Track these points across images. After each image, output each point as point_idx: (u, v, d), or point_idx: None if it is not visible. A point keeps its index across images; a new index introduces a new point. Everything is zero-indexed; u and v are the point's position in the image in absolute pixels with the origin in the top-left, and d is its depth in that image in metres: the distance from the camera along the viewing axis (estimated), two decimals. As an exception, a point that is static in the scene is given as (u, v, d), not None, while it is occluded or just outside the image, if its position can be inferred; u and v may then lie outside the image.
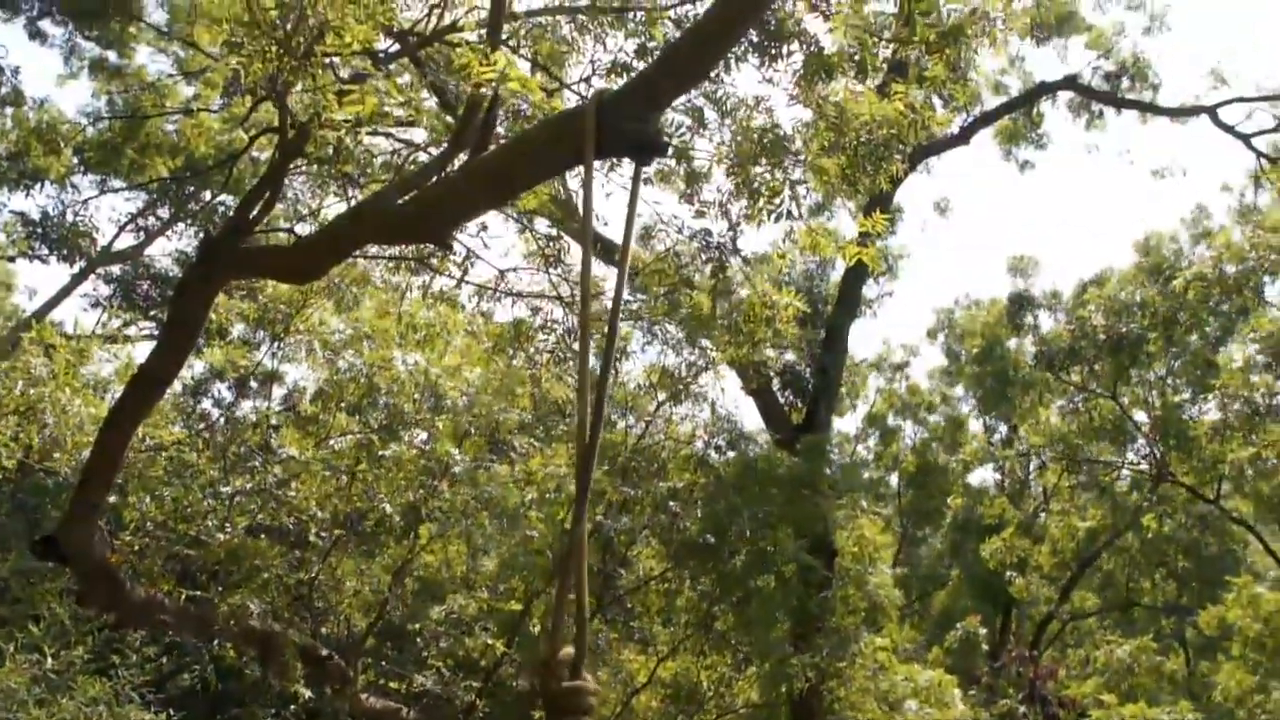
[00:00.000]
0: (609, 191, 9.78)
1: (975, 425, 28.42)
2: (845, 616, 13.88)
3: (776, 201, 8.43)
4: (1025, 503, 25.71)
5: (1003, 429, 26.58)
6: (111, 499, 10.65)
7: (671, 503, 12.35)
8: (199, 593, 10.65)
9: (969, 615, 21.94)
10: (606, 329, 4.29)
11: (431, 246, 10.57)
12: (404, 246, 11.75)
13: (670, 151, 9.06)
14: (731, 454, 14.31)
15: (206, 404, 17.55)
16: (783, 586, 13.06)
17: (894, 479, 29.31)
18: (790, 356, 14.85)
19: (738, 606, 12.76)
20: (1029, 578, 22.74)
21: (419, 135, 10.67)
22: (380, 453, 11.19)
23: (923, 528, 29.12)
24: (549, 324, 12.11)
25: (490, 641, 11.78)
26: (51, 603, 13.64)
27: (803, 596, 13.49)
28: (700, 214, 9.78)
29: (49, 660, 12.15)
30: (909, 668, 15.03)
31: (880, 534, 14.94)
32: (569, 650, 3.04)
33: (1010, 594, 22.90)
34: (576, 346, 11.47)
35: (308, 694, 11.44)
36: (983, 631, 21.13)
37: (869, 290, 21.66)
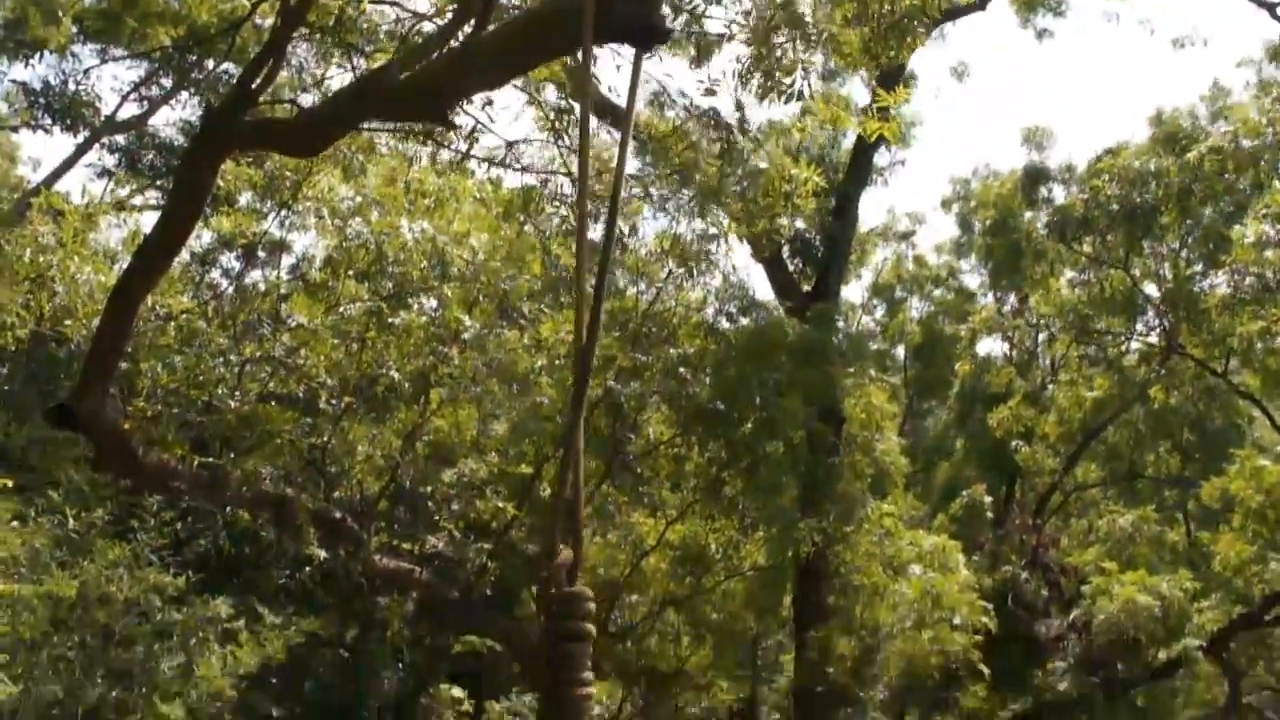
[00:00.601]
0: (619, 64, 9.58)
1: (984, 300, 28.36)
2: (852, 482, 14.06)
3: (788, 81, 8.25)
4: (1033, 373, 25.75)
5: (1012, 301, 26.48)
6: (123, 366, 10.72)
7: (682, 369, 12.40)
8: (211, 460, 10.77)
9: (974, 484, 22.17)
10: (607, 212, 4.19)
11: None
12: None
13: (674, 35, 8.83)
14: (742, 321, 14.34)
15: (215, 274, 17.50)
16: (791, 452, 13.19)
17: (900, 351, 29.36)
18: (801, 225, 14.77)
19: (746, 472, 12.90)
20: (1034, 447, 22.91)
21: (422, 4, 10.46)
22: (389, 320, 11.20)
23: (928, 400, 29.24)
24: (559, 196, 12.03)
25: (501, 504, 11.91)
26: (69, 469, 13.84)
27: (810, 462, 13.65)
28: (710, 92, 9.61)
29: (70, 521, 12.36)
30: (914, 533, 15.30)
31: (887, 403, 15.04)
32: (567, 555, 3.01)
33: (1015, 463, 23.10)
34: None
35: (322, 555, 11.66)
36: (987, 500, 21.36)
37: (880, 158, 21.42)
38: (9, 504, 11.24)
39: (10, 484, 10.97)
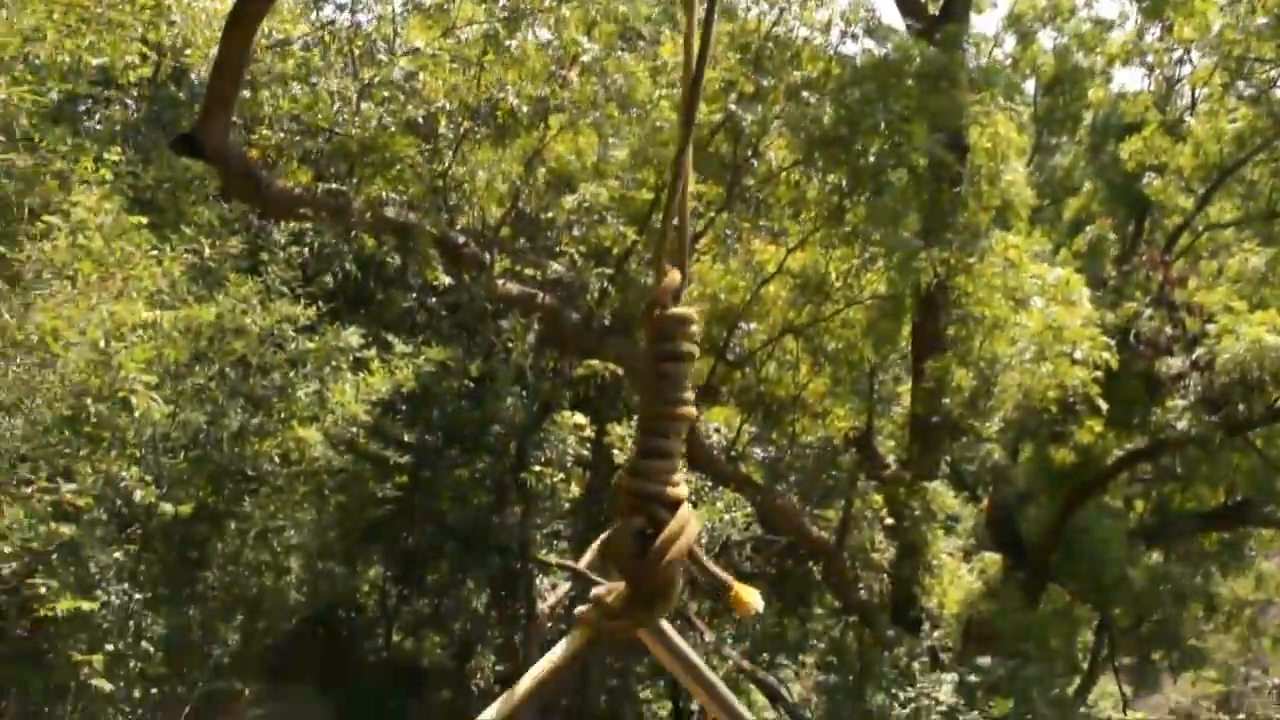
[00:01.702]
0: None
1: (1122, 31, 26.78)
2: (976, 213, 13.74)
3: None
4: (1171, 105, 24.45)
5: (1155, 30, 24.90)
6: (244, 95, 10.79)
7: (804, 93, 12.05)
8: (335, 185, 10.90)
9: (1100, 220, 21.56)
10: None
11: None
12: None
13: None
14: (867, 44, 13.76)
15: (328, 9, 17.31)
16: (915, 181, 12.89)
17: (1030, 86, 28.06)
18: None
19: (868, 200, 12.66)
20: (1167, 180, 22.00)
21: None
22: (506, 43, 11.01)
23: (1058, 135, 28.13)
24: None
25: (622, 229, 11.94)
26: (199, 207, 14.18)
27: (934, 191, 13.34)
28: None
29: (206, 250, 12.73)
30: (1038, 266, 14.99)
31: (1015, 133, 14.50)
32: (674, 276, 2.84)
33: (1145, 198, 22.28)
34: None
35: (447, 281, 11.89)
36: (1113, 237, 20.79)
37: None
38: (144, 237, 11.59)
39: (144, 221, 11.26)
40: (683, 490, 1.73)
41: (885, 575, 14.82)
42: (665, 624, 1.66)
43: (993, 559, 15.86)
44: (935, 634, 15.02)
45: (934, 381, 14.67)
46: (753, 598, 1.73)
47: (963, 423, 15.09)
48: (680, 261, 2.81)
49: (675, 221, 2.81)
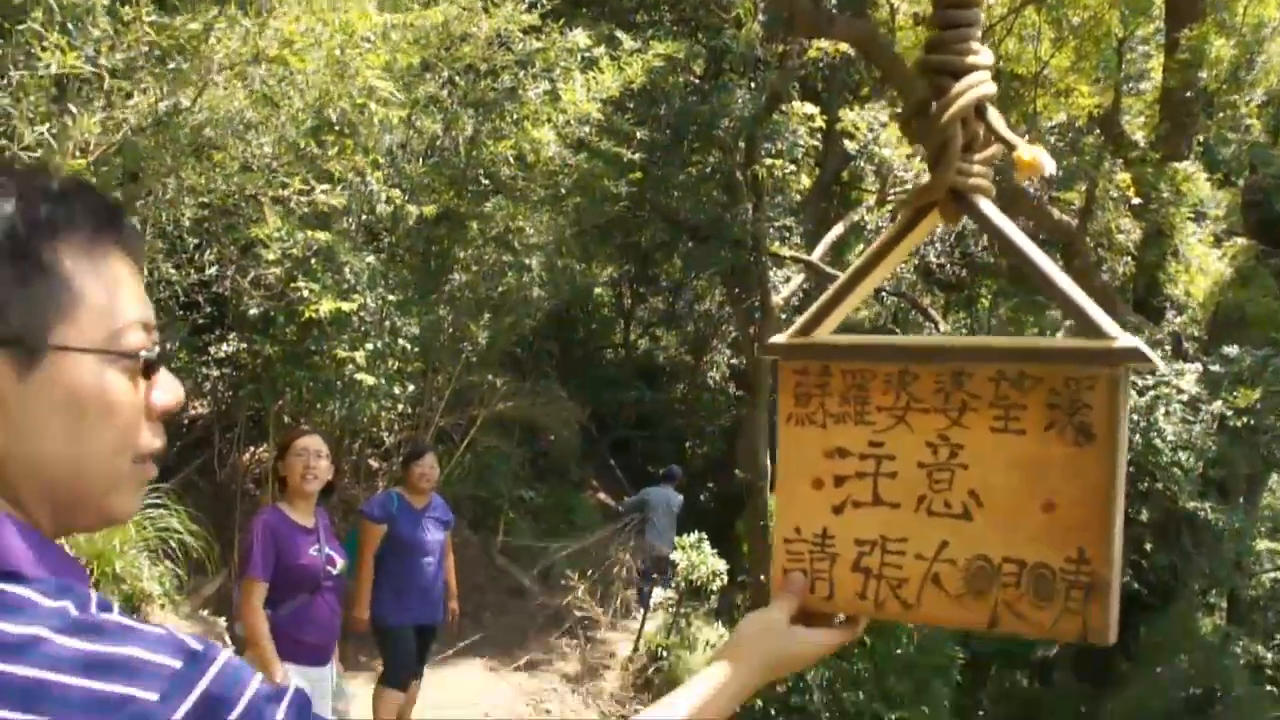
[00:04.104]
0: None
1: None
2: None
3: None
4: None
5: None
6: None
7: None
8: None
9: None
10: None
11: None
12: None
13: None
14: None
15: None
16: None
17: None
18: None
19: None
20: None
21: None
22: None
23: None
24: None
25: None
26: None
27: None
28: None
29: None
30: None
31: None
32: None
33: None
34: None
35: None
36: None
37: None
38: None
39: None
40: (978, 59, 1.70)
41: (1129, 259, 14.35)
42: (984, 200, 1.69)
43: (1246, 245, 15.06)
44: (1179, 321, 14.59)
45: (1189, 53, 13.63)
46: (1039, 157, 1.71)
47: (1219, 98, 14.11)
48: None
49: None
